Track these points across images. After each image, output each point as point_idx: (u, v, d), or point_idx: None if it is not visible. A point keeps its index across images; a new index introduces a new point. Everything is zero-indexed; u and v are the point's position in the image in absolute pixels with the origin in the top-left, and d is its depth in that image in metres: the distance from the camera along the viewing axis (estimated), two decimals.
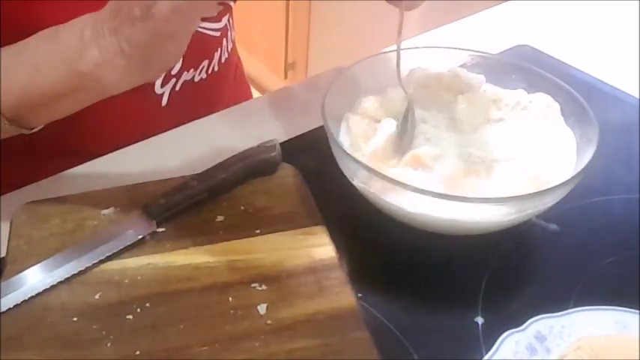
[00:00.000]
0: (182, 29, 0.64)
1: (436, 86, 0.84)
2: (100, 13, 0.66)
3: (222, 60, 1.02)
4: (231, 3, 1.00)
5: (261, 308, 0.64)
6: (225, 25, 1.02)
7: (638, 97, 1.00)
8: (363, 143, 0.76)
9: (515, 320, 0.63)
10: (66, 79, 0.68)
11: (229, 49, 1.06)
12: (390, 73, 0.84)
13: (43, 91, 0.69)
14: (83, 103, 0.71)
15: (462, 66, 0.85)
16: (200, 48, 0.96)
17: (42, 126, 0.74)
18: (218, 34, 0.99)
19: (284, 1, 2.63)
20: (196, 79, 0.97)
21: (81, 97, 0.71)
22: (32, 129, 0.74)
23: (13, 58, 0.69)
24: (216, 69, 1.01)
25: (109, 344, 0.61)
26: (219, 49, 1.01)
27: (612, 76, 1.04)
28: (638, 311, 0.65)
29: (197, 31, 0.94)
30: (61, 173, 0.84)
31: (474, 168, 0.73)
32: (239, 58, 1.18)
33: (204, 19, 0.95)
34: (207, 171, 0.76)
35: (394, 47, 0.80)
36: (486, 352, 0.61)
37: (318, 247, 0.70)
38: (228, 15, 1.02)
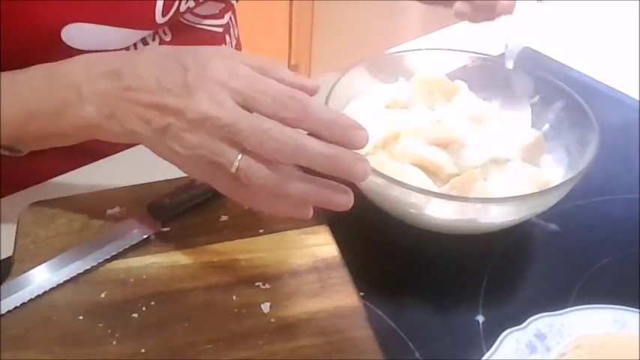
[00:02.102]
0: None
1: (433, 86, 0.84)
2: (103, 75, 0.64)
3: None
4: (233, 1, 1.00)
5: (265, 307, 0.64)
6: (228, 22, 1.02)
7: (637, 98, 1.01)
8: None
9: (516, 319, 0.64)
10: (57, 129, 0.68)
11: (233, 46, 1.06)
12: (392, 74, 0.85)
13: (36, 132, 0.69)
14: (77, 142, 0.71)
15: (462, 67, 0.86)
16: (204, 44, 0.96)
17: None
18: (221, 29, 0.99)
19: (287, 3, 2.63)
20: None
21: (74, 140, 0.71)
22: (19, 152, 0.74)
23: (9, 96, 0.69)
24: None
25: (114, 342, 0.61)
26: (222, 45, 1.01)
27: (612, 77, 1.05)
28: (637, 310, 0.65)
29: (200, 27, 0.95)
30: (67, 173, 0.84)
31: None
32: None
33: (205, 17, 0.95)
34: None
35: (394, 48, 0.80)
36: (487, 350, 0.62)
37: (321, 247, 0.71)
38: (230, 12, 1.02)
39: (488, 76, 0.85)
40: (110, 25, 0.80)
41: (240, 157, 0.58)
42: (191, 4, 0.87)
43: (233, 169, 0.58)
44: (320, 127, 0.58)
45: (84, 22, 0.78)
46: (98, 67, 0.65)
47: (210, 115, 0.57)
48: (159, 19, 0.83)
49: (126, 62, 0.64)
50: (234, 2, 1.01)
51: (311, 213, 0.62)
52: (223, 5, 0.98)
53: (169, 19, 0.85)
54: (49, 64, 0.69)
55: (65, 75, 0.67)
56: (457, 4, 0.86)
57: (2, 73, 0.71)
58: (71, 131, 0.68)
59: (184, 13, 0.88)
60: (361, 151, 0.71)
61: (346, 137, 0.58)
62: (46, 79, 0.68)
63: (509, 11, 0.83)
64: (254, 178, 0.58)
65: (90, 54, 0.68)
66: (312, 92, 0.61)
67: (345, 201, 0.59)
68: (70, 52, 0.78)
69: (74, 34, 0.78)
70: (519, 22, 0.82)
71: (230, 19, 1.03)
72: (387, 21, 2.68)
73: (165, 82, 0.60)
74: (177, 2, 0.84)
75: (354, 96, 0.83)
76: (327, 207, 0.60)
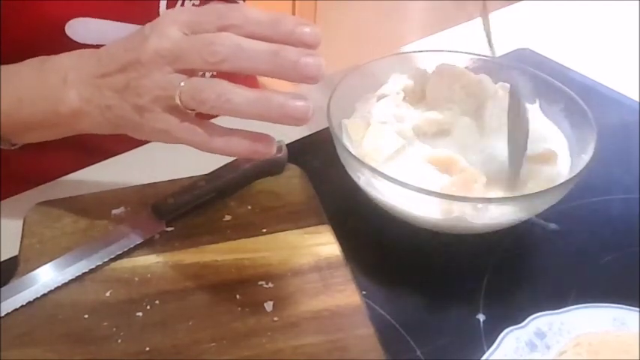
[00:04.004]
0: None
1: (452, 81, 0.83)
2: (89, 61, 0.66)
3: None
4: (240, 2, 1.01)
5: (268, 305, 0.65)
6: None
7: (637, 99, 1.01)
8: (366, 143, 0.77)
9: (516, 317, 0.64)
10: (43, 115, 0.68)
11: None
12: (394, 75, 0.85)
13: (24, 120, 0.70)
14: (64, 135, 0.72)
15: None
16: None
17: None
18: None
19: (290, 4, 2.63)
20: (207, 76, 0.97)
21: (61, 132, 0.71)
22: (14, 145, 0.75)
23: (2, 84, 0.70)
24: None
25: (119, 340, 0.62)
26: None
27: (612, 78, 1.05)
28: (636, 309, 0.65)
29: None
30: (73, 174, 0.85)
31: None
32: None
33: None
34: (215, 171, 0.77)
35: (396, 49, 0.81)
36: (488, 349, 0.62)
37: (324, 246, 0.71)
38: None
39: (488, 77, 0.85)
40: (114, 20, 0.80)
41: (184, 82, 0.59)
42: (196, 2, 0.87)
43: (177, 98, 0.59)
44: (263, 28, 0.58)
45: (88, 16, 0.78)
46: (86, 56, 0.67)
47: (158, 49, 0.59)
48: None
49: (106, 46, 0.66)
50: (241, 2, 1.01)
51: (272, 149, 0.61)
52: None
53: None
54: (44, 56, 0.70)
55: (55, 64, 0.68)
56: None
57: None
58: (55, 120, 0.68)
59: None
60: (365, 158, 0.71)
61: (294, 34, 0.57)
62: (36, 68, 0.69)
63: None
64: (197, 94, 0.58)
65: (84, 49, 0.69)
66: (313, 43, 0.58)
67: (298, 107, 0.57)
68: (74, 46, 0.78)
69: (78, 28, 0.78)
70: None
71: None
72: (390, 22, 2.68)
73: (128, 45, 0.62)
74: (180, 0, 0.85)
75: (358, 98, 0.84)
76: (282, 118, 0.57)
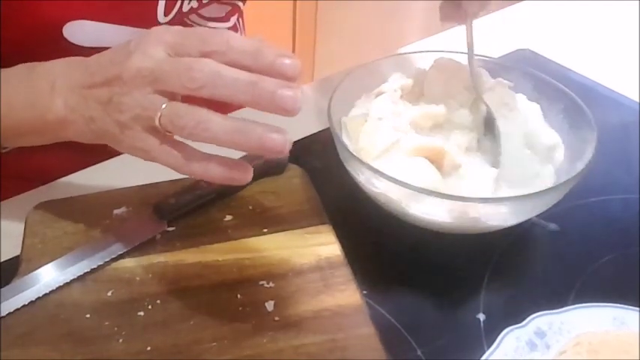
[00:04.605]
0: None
1: (450, 76, 0.83)
2: (77, 69, 0.66)
3: None
4: (240, 4, 1.01)
5: (269, 305, 0.65)
6: (235, 24, 1.02)
7: (637, 100, 1.01)
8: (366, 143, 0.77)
9: (516, 317, 0.64)
10: (31, 122, 0.68)
11: None
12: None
13: (12, 125, 0.70)
14: (52, 141, 0.71)
15: None
16: None
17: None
18: None
19: (291, 4, 2.63)
20: None
21: (48, 138, 0.71)
22: (4, 149, 0.75)
23: None
24: None
25: (120, 340, 0.62)
26: None
27: (612, 79, 1.05)
28: (636, 308, 0.66)
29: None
30: (74, 174, 0.85)
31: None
32: None
33: (212, 19, 0.96)
34: None
35: (396, 50, 0.81)
36: (488, 348, 0.62)
37: (324, 246, 0.71)
38: (237, 15, 1.02)
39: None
40: (112, 22, 0.80)
41: (165, 105, 0.59)
42: (194, 4, 0.87)
43: (157, 121, 0.59)
44: (245, 57, 0.58)
45: (86, 19, 0.78)
46: (75, 64, 0.67)
47: (140, 68, 0.59)
48: (161, 18, 0.84)
49: (95, 56, 0.66)
50: (240, 4, 1.01)
51: (248, 177, 0.60)
52: (229, 8, 0.98)
53: (172, 19, 0.85)
54: (33, 63, 0.70)
55: (44, 71, 0.68)
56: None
57: None
58: (42, 127, 0.68)
59: (188, 14, 0.89)
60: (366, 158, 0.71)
61: (274, 65, 0.57)
62: (25, 76, 0.69)
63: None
64: (177, 119, 0.58)
65: (73, 57, 0.69)
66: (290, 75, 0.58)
67: (276, 140, 0.57)
68: (72, 48, 0.79)
69: (76, 31, 0.78)
70: None
71: (237, 21, 1.04)
72: (391, 22, 2.68)
73: (114, 58, 0.62)
74: (179, 2, 0.85)
75: (357, 97, 0.84)
76: (257, 149, 0.58)
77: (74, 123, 0.65)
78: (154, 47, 0.60)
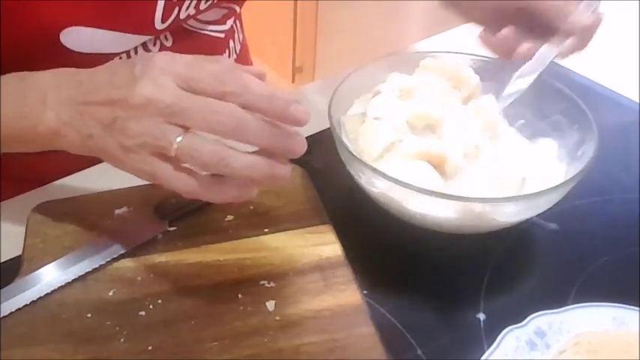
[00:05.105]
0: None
1: (438, 70, 0.84)
2: (68, 82, 0.66)
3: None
4: (237, 7, 1.01)
5: (270, 305, 0.65)
6: (231, 26, 1.02)
7: (637, 100, 1.01)
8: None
9: (516, 316, 0.64)
10: (22, 133, 0.68)
11: (237, 51, 1.06)
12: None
13: (5, 136, 0.69)
14: (44, 149, 0.71)
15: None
16: (206, 49, 0.96)
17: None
18: (223, 35, 0.99)
19: (291, 5, 2.63)
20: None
21: (39, 147, 0.71)
22: None
23: None
24: None
25: (122, 339, 0.62)
26: (226, 51, 1.01)
27: (612, 79, 1.05)
28: (635, 308, 0.66)
29: (202, 33, 0.95)
30: (76, 174, 0.85)
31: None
32: (251, 63, 1.18)
33: (208, 22, 0.96)
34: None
35: (397, 50, 0.81)
36: (488, 347, 0.62)
37: (325, 246, 0.72)
38: (233, 18, 1.02)
39: (488, 78, 0.85)
40: (110, 29, 0.80)
41: (180, 137, 0.59)
42: (192, 11, 0.87)
43: (173, 152, 0.60)
44: (260, 100, 0.60)
45: (82, 25, 0.78)
46: (65, 77, 0.67)
47: (152, 98, 0.59)
48: (158, 25, 0.84)
49: (88, 73, 0.66)
50: (236, 8, 1.01)
51: (255, 192, 0.63)
52: (226, 11, 0.98)
53: (170, 25, 0.86)
54: (24, 72, 0.70)
55: (35, 83, 0.68)
56: (482, 33, 0.87)
57: None
58: (33, 137, 0.68)
59: (186, 19, 0.89)
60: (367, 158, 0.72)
61: (287, 112, 0.60)
62: (17, 85, 0.69)
63: (525, 57, 0.83)
64: (197, 154, 0.59)
65: (64, 68, 0.69)
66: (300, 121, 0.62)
67: (285, 171, 0.62)
68: (70, 55, 0.79)
69: (73, 37, 0.78)
70: (530, 68, 0.82)
71: (234, 24, 1.04)
72: (391, 23, 2.68)
73: (116, 80, 0.63)
74: (176, 9, 0.85)
75: (357, 97, 0.84)
76: (270, 180, 0.62)
77: (67, 136, 0.65)
78: (163, 77, 0.60)
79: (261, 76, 0.64)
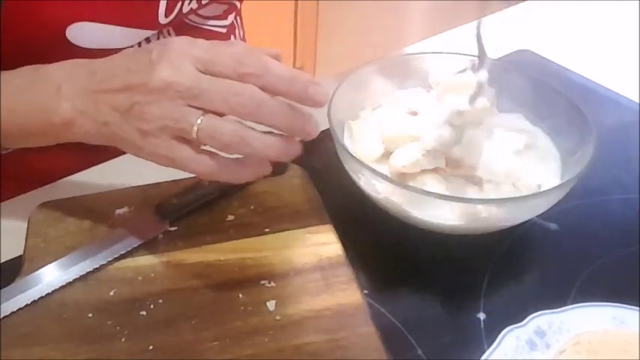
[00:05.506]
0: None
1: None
2: (82, 72, 0.66)
3: None
4: (237, 3, 1.01)
5: (270, 305, 0.65)
6: (232, 22, 1.02)
7: (637, 100, 1.01)
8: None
9: (516, 316, 0.64)
10: (36, 125, 0.69)
11: None
12: (395, 77, 0.86)
13: (16, 128, 0.70)
14: (57, 142, 0.72)
15: (463, 71, 0.86)
16: None
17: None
18: (225, 30, 1.00)
19: (292, 5, 2.63)
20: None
21: (52, 140, 0.71)
22: (6, 150, 0.75)
23: None
24: None
25: (123, 339, 0.62)
26: None
27: (612, 80, 1.05)
28: (635, 307, 0.66)
29: (203, 28, 0.96)
30: (77, 174, 0.85)
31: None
32: None
33: (209, 17, 0.96)
34: None
35: (397, 50, 0.81)
36: (488, 347, 0.62)
37: (325, 246, 0.71)
38: (234, 13, 1.02)
39: (490, 79, 0.85)
40: (114, 24, 0.81)
41: (200, 119, 0.60)
42: (194, 5, 0.88)
43: (194, 134, 0.60)
44: (280, 82, 0.61)
45: (88, 21, 0.78)
46: (79, 68, 0.67)
47: (171, 81, 0.60)
48: (162, 19, 0.84)
49: (102, 61, 0.67)
50: (237, 3, 1.01)
51: (270, 168, 0.66)
52: (227, 7, 0.98)
53: (173, 20, 0.86)
54: (37, 65, 0.70)
55: (48, 75, 0.68)
56: None
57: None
58: (46, 129, 0.68)
59: (188, 14, 0.89)
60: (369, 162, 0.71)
61: (307, 92, 0.62)
62: (29, 78, 0.70)
63: None
64: (218, 135, 0.60)
65: (76, 59, 0.69)
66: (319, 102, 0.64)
67: (298, 148, 0.65)
68: (75, 50, 0.79)
69: (79, 33, 0.79)
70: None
71: (235, 20, 1.04)
72: (392, 23, 2.68)
73: (132, 66, 0.63)
74: (180, 3, 0.85)
75: (358, 99, 0.84)
76: (284, 158, 0.65)
77: (82, 126, 0.66)
78: (181, 60, 0.61)
79: (277, 57, 0.64)
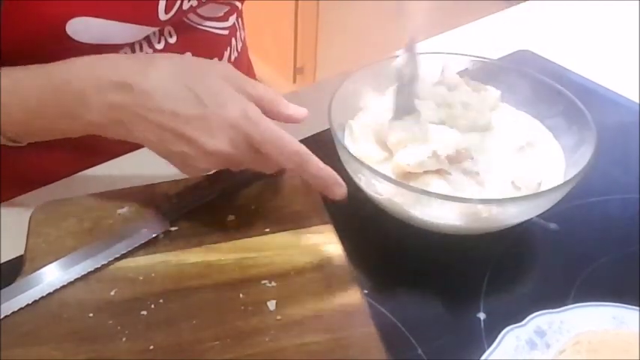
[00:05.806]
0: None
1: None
2: (106, 83, 0.68)
3: (232, 59, 1.03)
4: (238, 4, 1.01)
5: (271, 304, 0.65)
6: (234, 24, 1.02)
7: (637, 100, 1.01)
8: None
9: (516, 316, 0.64)
10: (60, 127, 0.72)
11: (239, 49, 1.06)
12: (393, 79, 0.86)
13: (39, 128, 0.73)
14: (80, 135, 0.74)
15: (463, 71, 0.87)
16: (209, 46, 0.97)
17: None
18: (226, 32, 1.00)
19: (292, 5, 2.63)
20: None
21: (77, 135, 0.73)
22: (18, 143, 0.76)
23: (11, 95, 0.71)
24: None
25: (124, 339, 0.62)
26: (228, 48, 1.01)
27: (612, 80, 1.06)
28: (635, 307, 0.66)
29: (205, 30, 0.96)
30: (78, 174, 0.86)
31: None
32: (250, 60, 1.18)
33: (210, 19, 0.96)
34: (218, 172, 0.77)
35: (398, 51, 0.81)
36: (488, 347, 0.62)
37: (326, 246, 0.72)
38: (235, 15, 1.02)
39: (488, 79, 0.86)
40: (114, 19, 0.81)
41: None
42: (194, 2, 0.88)
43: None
44: (310, 178, 0.69)
45: (88, 16, 0.78)
46: (105, 76, 0.68)
47: (226, 152, 0.67)
48: (162, 15, 0.84)
49: (135, 74, 0.68)
50: (238, 5, 1.01)
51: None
52: (228, 8, 0.98)
53: (173, 17, 0.86)
54: (53, 65, 0.71)
55: (70, 82, 0.69)
56: None
57: (2, 69, 0.72)
58: (74, 130, 0.71)
59: (188, 12, 0.89)
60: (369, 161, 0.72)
61: (327, 189, 0.69)
62: (50, 82, 0.70)
63: None
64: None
65: (93, 57, 0.71)
66: (298, 120, 0.72)
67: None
68: (75, 45, 0.79)
69: (79, 28, 0.78)
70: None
71: (236, 21, 1.04)
72: (392, 23, 2.68)
73: (181, 110, 0.67)
74: (179, 0, 0.85)
75: (359, 100, 0.84)
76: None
77: (115, 132, 0.70)
78: (235, 135, 0.67)
79: (301, 119, 0.73)
